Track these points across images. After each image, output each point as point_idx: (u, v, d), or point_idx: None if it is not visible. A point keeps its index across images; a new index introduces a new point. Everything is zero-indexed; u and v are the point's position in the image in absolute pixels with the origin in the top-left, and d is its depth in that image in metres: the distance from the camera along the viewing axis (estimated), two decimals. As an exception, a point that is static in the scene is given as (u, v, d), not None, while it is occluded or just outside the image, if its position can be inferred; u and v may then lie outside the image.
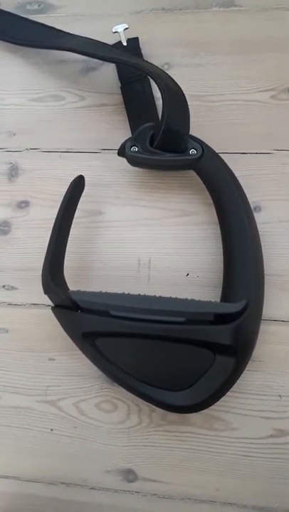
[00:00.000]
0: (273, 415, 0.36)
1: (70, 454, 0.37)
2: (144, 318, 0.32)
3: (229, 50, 0.42)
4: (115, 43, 0.42)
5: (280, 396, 0.36)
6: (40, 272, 0.34)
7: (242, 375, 0.34)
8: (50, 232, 0.35)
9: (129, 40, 0.42)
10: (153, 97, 0.41)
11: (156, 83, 0.35)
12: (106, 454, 0.37)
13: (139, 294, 0.33)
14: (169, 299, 0.32)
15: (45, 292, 0.34)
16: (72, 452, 0.37)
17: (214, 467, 0.36)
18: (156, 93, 0.41)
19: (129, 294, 0.33)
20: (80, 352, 0.35)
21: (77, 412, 0.38)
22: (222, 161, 0.37)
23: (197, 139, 0.37)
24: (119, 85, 0.42)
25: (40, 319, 0.39)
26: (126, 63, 0.38)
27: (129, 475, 0.37)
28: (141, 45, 0.42)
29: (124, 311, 0.32)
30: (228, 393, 0.34)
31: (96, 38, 0.41)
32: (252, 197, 0.37)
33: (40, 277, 0.34)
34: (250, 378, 0.36)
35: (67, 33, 0.43)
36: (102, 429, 0.37)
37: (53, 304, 0.35)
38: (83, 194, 0.38)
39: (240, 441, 0.36)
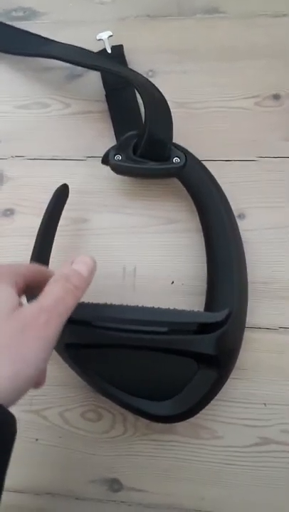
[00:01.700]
0: (258, 423, 0.36)
1: (55, 464, 0.37)
2: (127, 328, 0.32)
3: (213, 57, 0.42)
4: (100, 51, 0.42)
5: (264, 404, 0.36)
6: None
7: (226, 383, 0.34)
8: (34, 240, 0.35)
9: (113, 48, 0.41)
10: (138, 104, 0.41)
11: (139, 92, 0.35)
12: (91, 464, 0.37)
13: (121, 304, 0.33)
14: (152, 309, 0.32)
15: (28, 301, 0.34)
16: (58, 462, 0.37)
17: (199, 476, 0.36)
18: (141, 101, 0.41)
19: (111, 304, 0.33)
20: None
21: (62, 421, 0.38)
22: (205, 169, 0.37)
23: (180, 147, 0.37)
24: (104, 93, 0.42)
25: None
26: (109, 71, 0.38)
27: (115, 484, 0.36)
28: (125, 52, 0.42)
29: (106, 321, 0.32)
30: (212, 401, 0.34)
31: (81, 45, 0.41)
32: (236, 204, 0.37)
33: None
34: (234, 386, 0.36)
35: (52, 40, 0.42)
36: (87, 438, 0.37)
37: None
38: (68, 202, 0.38)
39: (225, 449, 0.36)
